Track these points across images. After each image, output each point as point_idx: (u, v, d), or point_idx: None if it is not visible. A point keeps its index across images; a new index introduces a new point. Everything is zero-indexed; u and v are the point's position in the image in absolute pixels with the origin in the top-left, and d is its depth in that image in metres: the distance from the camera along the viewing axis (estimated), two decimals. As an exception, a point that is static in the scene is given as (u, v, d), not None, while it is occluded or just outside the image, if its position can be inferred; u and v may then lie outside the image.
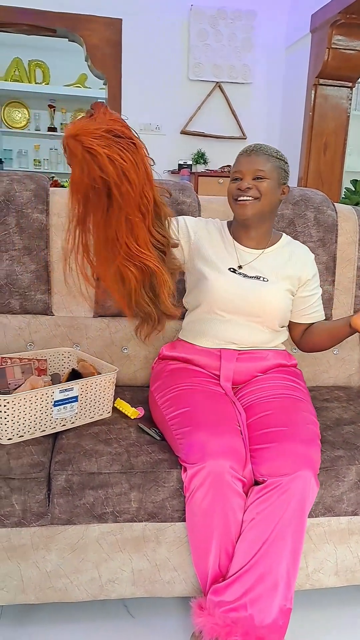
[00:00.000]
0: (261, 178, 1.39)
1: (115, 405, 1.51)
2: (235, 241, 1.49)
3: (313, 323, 1.55)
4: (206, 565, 1.22)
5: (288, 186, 1.46)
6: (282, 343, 1.55)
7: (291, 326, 1.58)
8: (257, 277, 1.45)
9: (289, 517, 1.18)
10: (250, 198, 1.39)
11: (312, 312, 1.54)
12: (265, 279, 1.45)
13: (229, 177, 1.51)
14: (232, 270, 1.46)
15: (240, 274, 1.46)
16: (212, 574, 1.22)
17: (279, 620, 1.18)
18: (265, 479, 1.19)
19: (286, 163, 1.46)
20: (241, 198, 1.40)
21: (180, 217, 1.53)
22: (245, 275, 1.46)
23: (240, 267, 1.47)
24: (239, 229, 1.49)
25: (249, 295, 1.43)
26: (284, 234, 1.56)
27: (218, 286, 1.44)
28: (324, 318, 1.58)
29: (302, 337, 1.57)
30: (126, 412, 1.48)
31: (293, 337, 1.59)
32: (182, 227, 1.50)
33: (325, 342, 1.50)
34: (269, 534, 1.18)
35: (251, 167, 1.40)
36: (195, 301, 1.51)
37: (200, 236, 1.51)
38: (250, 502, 1.20)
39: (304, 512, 1.20)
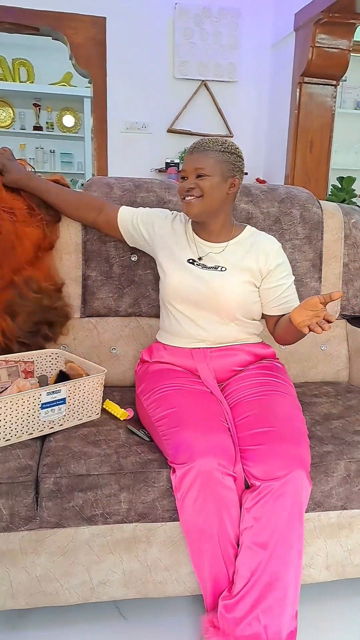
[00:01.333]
0: (202, 176, 1.39)
1: (104, 406, 1.50)
2: (195, 235, 1.51)
3: (285, 315, 1.49)
4: (208, 568, 1.21)
5: (238, 178, 1.43)
6: (257, 336, 1.55)
7: (265, 319, 1.56)
8: (215, 268, 1.46)
9: (288, 520, 1.17)
10: (193, 197, 1.40)
11: (282, 303, 1.49)
12: (223, 269, 1.45)
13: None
14: (190, 261, 1.48)
15: (199, 265, 1.47)
16: (214, 577, 1.21)
17: (291, 626, 1.18)
18: (258, 483, 1.19)
19: (234, 154, 1.41)
20: (187, 198, 1.42)
21: (143, 210, 1.60)
22: (203, 266, 1.46)
23: (200, 258, 1.48)
24: (196, 224, 1.51)
25: (203, 284, 1.44)
26: (248, 226, 1.54)
27: (173, 278, 1.47)
28: None
29: (274, 329, 1.54)
30: (115, 414, 1.47)
31: (269, 330, 1.56)
32: (147, 218, 1.58)
33: (285, 337, 1.47)
34: (271, 539, 1.17)
35: (193, 166, 1.40)
36: (161, 295, 1.56)
37: (163, 227, 1.55)
38: (246, 509, 1.19)
39: (301, 512, 1.19)
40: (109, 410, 1.49)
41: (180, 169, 3.58)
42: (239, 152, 1.43)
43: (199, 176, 1.39)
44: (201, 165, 1.38)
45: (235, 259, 1.47)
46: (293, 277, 1.53)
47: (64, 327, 1.69)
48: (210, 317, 1.47)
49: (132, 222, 1.59)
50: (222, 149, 1.40)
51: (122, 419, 1.46)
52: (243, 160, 1.45)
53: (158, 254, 1.56)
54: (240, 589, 1.18)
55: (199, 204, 1.41)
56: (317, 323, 1.22)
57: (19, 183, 1.57)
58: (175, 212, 1.61)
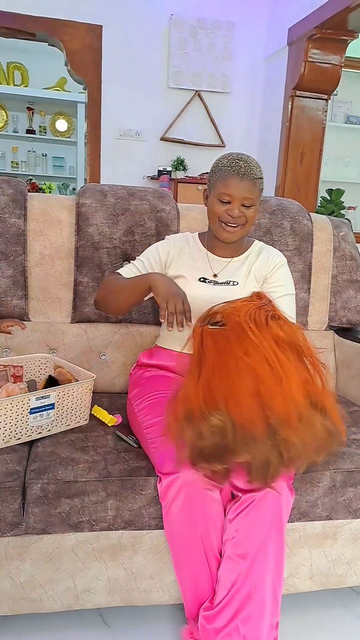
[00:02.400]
0: (249, 206, 1.38)
1: (92, 412, 1.50)
2: (208, 251, 1.51)
3: None
4: (191, 577, 1.21)
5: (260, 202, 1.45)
6: None
7: None
8: (228, 282, 1.48)
9: (269, 531, 1.18)
10: (238, 225, 1.40)
11: None
12: (235, 283, 1.47)
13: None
14: (202, 280, 1.48)
15: (211, 282, 1.48)
16: (195, 586, 1.21)
17: (271, 637, 1.19)
18: (239, 494, 1.19)
19: (263, 180, 1.43)
20: (230, 224, 1.40)
21: (144, 256, 1.53)
22: (216, 283, 1.48)
23: (215, 275, 1.49)
24: (214, 242, 1.50)
25: (216, 299, 1.41)
26: (256, 240, 1.57)
27: (188, 295, 1.42)
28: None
29: None
30: (104, 420, 1.48)
31: None
32: (155, 260, 1.51)
33: None
34: (251, 550, 1.17)
35: (242, 194, 1.36)
36: None
37: (171, 256, 1.52)
38: (229, 520, 1.19)
39: (282, 523, 1.20)
40: (98, 416, 1.49)
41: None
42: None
43: (248, 205, 1.38)
44: (251, 195, 1.37)
45: (245, 271, 1.48)
46: (290, 294, 1.51)
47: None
48: None
49: (151, 267, 1.51)
50: (261, 175, 1.39)
51: (110, 425, 1.46)
52: None
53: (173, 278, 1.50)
54: (221, 599, 1.18)
55: (241, 231, 1.42)
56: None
57: None
58: (172, 235, 1.58)
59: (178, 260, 1.51)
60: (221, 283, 1.47)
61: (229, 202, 1.38)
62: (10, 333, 1.59)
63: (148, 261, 1.51)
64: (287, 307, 1.48)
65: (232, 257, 1.51)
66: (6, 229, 1.64)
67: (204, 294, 1.44)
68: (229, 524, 1.19)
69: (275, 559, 1.20)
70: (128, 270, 1.50)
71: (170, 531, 1.21)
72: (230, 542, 1.19)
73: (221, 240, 1.46)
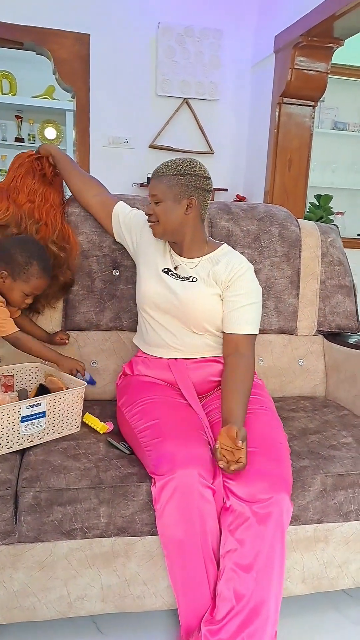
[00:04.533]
0: (158, 202, 1.44)
1: (84, 420, 1.50)
2: (171, 248, 1.55)
3: (228, 334, 1.47)
4: (186, 581, 1.21)
5: (195, 197, 1.43)
6: None
7: None
8: (187, 278, 1.49)
9: (272, 543, 1.18)
10: (152, 222, 1.47)
11: (227, 321, 1.46)
12: (194, 279, 1.49)
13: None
14: (165, 270, 1.52)
15: (173, 274, 1.51)
16: (190, 590, 1.21)
17: None
18: (242, 504, 1.18)
19: (189, 175, 1.41)
20: (148, 223, 1.49)
21: (137, 211, 1.66)
22: (177, 276, 1.50)
23: (176, 267, 1.52)
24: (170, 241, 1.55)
25: (173, 294, 1.47)
26: (224, 244, 1.56)
27: (147, 285, 1.52)
28: (245, 333, 1.45)
29: (225, 359, 1.48)
30: (95, 427, 1.48)
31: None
32: (138, 219, 1.64)
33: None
34: (255, 563, 1.17)
35: (150, 192, 1.46)
36: (137, 301, 1.60)
37: (146, 235, 1.58)
38: (229, 531, 1.19)
39: (284, 534, 1.21)
40: (89, 423, 1.50)
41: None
42: (195, 171, 1.42)
43: (156, 202, 1.44)
44: (154, 191, 1.44)
45: (205, 272, 1.49)
46: (252, 302, 1.47)
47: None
48: (181, 327, 1.49)
49: (125, 218, 1.64)
50: (175, 172, 1.41)
51: (101, 432, 1.47)
52: (203, 178, 1.43)
53: (138, 259, 1.61)
54: (226, 614, 1.18)
55: (157, 227, 1.47)
56: (226, 460, 1.18)
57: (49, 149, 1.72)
58: None
59: (148, 244, 1.58)
60: (182, 277, 1.50)
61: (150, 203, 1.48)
62: (65, 344, 1.69)
63: (135, 217, 1.65)
64: (249, 317, 1.46)
65: (192, 257, 1.52)
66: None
67: (163, 285, 1.49)
68: (229, 535, 1.19)
69: (278, 571, 1.20)
70: (119, 208, 1.67)
71: (164, 535, 1.22)
72: (232, 554, 1.18)
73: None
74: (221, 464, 1.17)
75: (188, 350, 1.50)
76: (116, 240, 1.71)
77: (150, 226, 1.50)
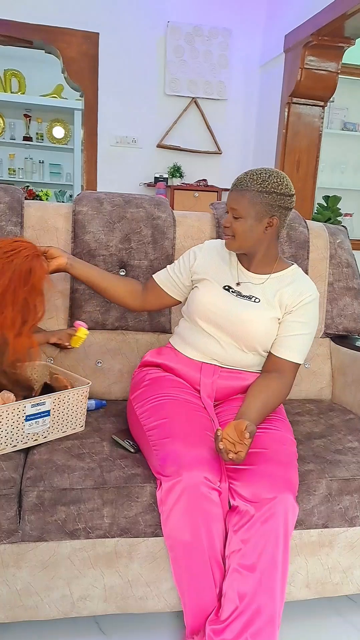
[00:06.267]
0: (237, 217, 1.38)
1: (78, 334, 1.56)
2: (239, 262, 1.50)
3: (276, 356, 1.44)
4: (192, 584, 1.21)
5: (277, 217, 1.37)
6: None
7: None
8: (250, 297, 1.44)
9: (276, 543, 1.18)
10: (228, 236, 1.42)
11: (277, 343, 1.44)
12: (257, 300, 1.44)
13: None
14: (226, 288, 1.47)
15: (234, 292, 1.46)
16: (197, 593, 1.21)
17: None
18: (245, 504, 1.18)
19: (274, 194, 1.35)
20: (224, 232, 1.44)
21: (175, 263, 1.58)
22: (238, 294, 1.45)
23: (238, 284, 1.46)
24: (241, 255, 1.49)
25: (233, 312, 1.42)
26: (294, 265, 1.51)
27: (205, 297, 1.46)
28: (293, 360, 1.43)
29: (264, 372, 1.46)
30: (79, 336, 1.55)
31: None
32: (182, 265, 1.56)
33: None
34: (258, 563, 1.17)
35: (229, 205, 1.39)
36: (186, 309, 1.54)
37: (199, 260, 1.53)
38: (233, 531, 1.19)
39: (288, 535, 1.20)
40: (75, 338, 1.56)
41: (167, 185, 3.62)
42: (281, 189, 1.35)
43: (235, 217, 1.38)
44: (235, 206, 1.37)
45: (272, 292, 1.43)
46: (308, 333, 1.44)
47: None
48: (231, 343, 1.45)
49: (173, 279, 1.55)
50: (260, 189, 1.34)
51: (82, 337, 1.55)
52: (288, 196, 1.37)
53: (194, 279, 1.53)
54: (230, 614, 1.17)
55: (233, 242, 1.41)
56: (227, 450, 1.17)
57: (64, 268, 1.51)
58: (211, 240, 1.60)
59: (204, 263, 1.52)
60: (243, 296, 1.44)
61: (227, 213, 1.42)
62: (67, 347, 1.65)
63: (177, 265, 1.57)
64: (302, 347, 1.43)
65: (260, 273, 1.46)
66: (3, 236, 1.64)
67: (223, 301, 1.44)
68: (233, 535, 1.19)
69: (282, 571, 1.20)
70: (161, 275, 1.59)
71: (171, 537, 1.21)
72: (236, 554, 1.18)
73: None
74: (221, 444, 1.16)
75: (228, 362, 1.47)
76: (183, 301, 1.60)
77: (225, 238, 1.44)
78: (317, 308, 1.47)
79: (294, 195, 1.40)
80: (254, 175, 1.36)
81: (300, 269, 1.52)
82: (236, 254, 1.50)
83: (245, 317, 1.41)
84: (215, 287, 1.47)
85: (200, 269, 1.52)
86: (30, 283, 1.37)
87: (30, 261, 1.38)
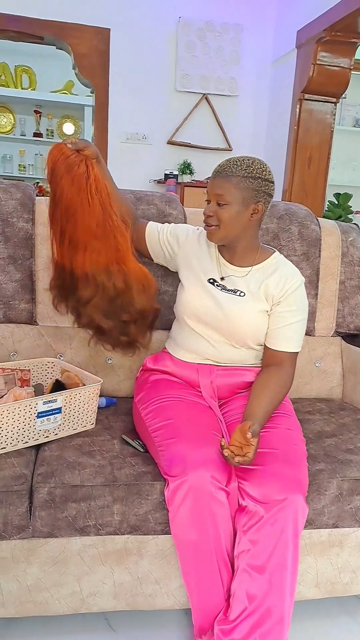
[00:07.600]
0: (221, 204, 1.34)
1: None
2: (220, 255, 1.48)
3: (272, 349, 1.43)
4: (200, 583, 1.21)
5: (262, 203, 1.36)
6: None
7: None
8: (235, 292, 1.43)
9: (286, 543, 1.17)
10: (212, 226, 1.38)
11: (272, 337, 1.42)
12: (242, 294, 1.42)
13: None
14: (211, 281, 1.45)
15: (219, 285, 1.44)
16: (204, 592, 1.21)
17: None
18: (254, 504, 1.18)
19: (260, 179, 1.34)
20: (205, 223, 1.39)
21: (170, 226, 1.56)
22: (223, 288, 1.44)
23: (222, 278, 1.44)
24: (220, 246, 1.48)
25: (219, 308, 1.41)
26: (276, 252, 1.48)
27: (191, 296, 1.45)
28: (290, 351, 1.42)
29: (264, 368, 1.45)
30: None
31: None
32: (173, 233, 1.54)
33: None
34: (268, 563, 1.17)
35: (213, 191, 1.35)
36: (176, 309, 1.53)
37: (189, 243, 1.52)
38: (242, 532, 1.19)
39: (298, 535, 1.19)
40: None
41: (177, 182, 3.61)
42: (265, 175, 1.35)
43: (219, 203, 1.35)
44: (220, 191, 1.33)
45: (256, 284, 1.42)
46: (301, 319, 1.43)
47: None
48: (221, 340, 1.44)
49: (159, 238, 1.54)
50: (246, 174, 1.32)
51: None
52: (271, 182, 1.37)
53: (180, 269, 1.52)
54: (239, 614, 1.17)
55: (217, 232, 1.37)
56: (234, 455, 1.16)
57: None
58: (201, 227, 1.53)
59: (190, 253, 1.50)
60: (228, 290, 1.43)
61: (209, 202, 1.39)
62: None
63: (171, 232, 1.55)
64: (297, 335, 1.43)
65: (242, 266, 1.45)
66: (14, 233, 1.65)
67: (208, 297, 1.43)
68: (242, 536, 1.18)
69: (292, 571, 1.19)
70: (152, 227, 1.57)
71: (178, 537, 1.21)
72: (245, 555, 1.18)
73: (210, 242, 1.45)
74: (226, 452, 1.16)
75: (222, 360, 1.47)
76: (154, 262, 1.61)
77: (207, 230, 1.39)
78: (304, 292, 1.45)
79: (274, 183, 1.40)
80: (237, 161, 1.35)
81: (282, 255, 1.49)
82: (217, 247, 1.47)
83: (231, 313, 1.40)
84: (200, 282, 1.45)
85: (186, 249, 1.51)
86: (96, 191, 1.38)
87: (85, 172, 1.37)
